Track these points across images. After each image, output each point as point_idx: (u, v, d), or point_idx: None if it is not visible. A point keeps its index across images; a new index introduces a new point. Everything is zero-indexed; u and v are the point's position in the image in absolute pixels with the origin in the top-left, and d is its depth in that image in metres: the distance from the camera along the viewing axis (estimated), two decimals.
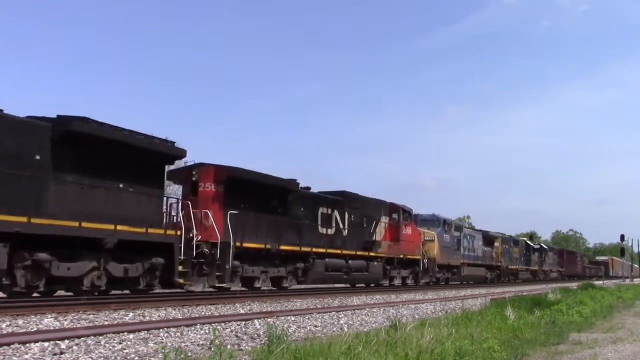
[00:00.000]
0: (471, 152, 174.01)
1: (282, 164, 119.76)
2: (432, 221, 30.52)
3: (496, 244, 40.40)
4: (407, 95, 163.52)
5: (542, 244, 57.33)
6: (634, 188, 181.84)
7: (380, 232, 23.62)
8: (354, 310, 12.60)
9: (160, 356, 5.58)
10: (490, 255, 38.37)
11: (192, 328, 8.27)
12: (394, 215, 24.88)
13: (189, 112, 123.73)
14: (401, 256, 24.60)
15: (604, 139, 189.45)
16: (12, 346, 6.06)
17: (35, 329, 7.86)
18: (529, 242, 51.40)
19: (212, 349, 4.91)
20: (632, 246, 76.36)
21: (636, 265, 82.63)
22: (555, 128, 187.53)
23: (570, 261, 66.33)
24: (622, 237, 62.16)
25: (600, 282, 39.89)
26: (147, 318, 9.79)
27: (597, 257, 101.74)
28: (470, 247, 34.09)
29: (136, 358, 5.96)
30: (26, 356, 5.75)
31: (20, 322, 8.38)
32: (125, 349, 6.34)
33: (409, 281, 25.91)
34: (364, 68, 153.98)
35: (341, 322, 10.32)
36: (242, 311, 11.67)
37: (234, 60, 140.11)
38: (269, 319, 9.38)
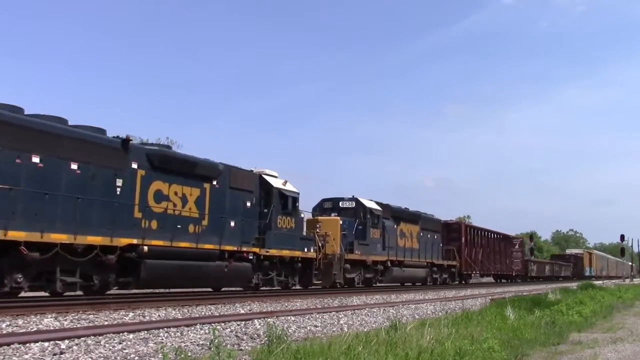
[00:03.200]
0: (471, 152, 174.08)
1: (282, 164, 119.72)
2: None
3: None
4: (406, 95, 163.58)
5: (364, 201, 24.29)
6: (634, 188, 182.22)
7: None
8: (354, 310, 12.61)
9: (160, 356, 5.58)
10: None
11: (192, 328, 8.27)
12: None
13: (189, 112, 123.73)
14: None
15: (603, 139, 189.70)
16: (12, 346, 6.06)
17: (35, 329, 7.86)
18: (272, 180, 18.88)
19: (212, 349, 4.91)
20: (632, 246, 76.29)
21: (631, 264, 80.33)
22: (555, 128, 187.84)
23: (495, 251, 39.86)
24: (622, 237, 62.15)
25: (600, 282, 39.75)
26: (147, 318, 9.80)
27: (567, 250, 77.67)
28: None
29: (136, 358, 5.96)
30: (26, 356, 5.75)
31: (20, 322, 8.39)
32: (125, 349, 6.34)
33: None
34: (363, 68, 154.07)
35: (341, 322, 10.31)
36: (242, 311, 11.68)
37: (234, 60, 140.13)
38: (269, 319, 9.38)
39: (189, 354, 5.41)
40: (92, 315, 9.60)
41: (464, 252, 34.02)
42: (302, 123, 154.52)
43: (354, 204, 23.95)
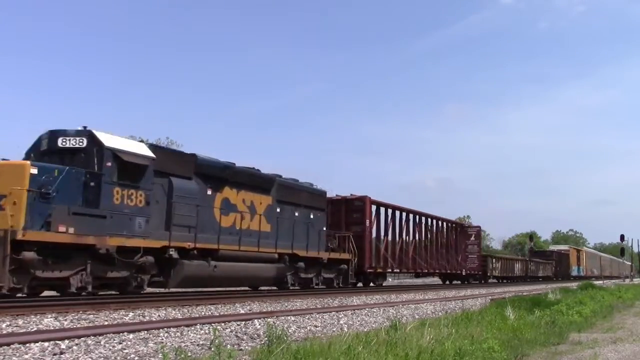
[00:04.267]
0: (471, 152, 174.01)
1: (282, 164, 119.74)
2: None
3: None
4: (407, 95, 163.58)
5: (103, 137, 12.79)
6: (634, 188, 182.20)
7: None
8: (354, 310, 12.60)
9: (160, 356, 5.58)
10: None
11: (192, 328, 8.27)
12: None
13: (190, 112, 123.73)
14: None
15: (603, 139, 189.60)
16: (12, 346, 6.07)
17: (35, 329, 7.86)
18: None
19: (212, 349, 4.91)
20: (632, 246, 76.23)
21: (631, 264, 79.84)
22: (555, 128, 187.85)
23: (441, 243, 30.93)
24: (622, 237, 62.13)
25: (600, 282, 39.72)
26: (147, 318, 9.80)
27: (551, 247, 65.92)
28: None
29: (136, 358, 5.96)
30: (26, 356, 5.75)
31: (20, 322, 8.39)
32: (125, 349, 6.34)
33: None
34: (363, 68, 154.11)
35: (341, 322, 10.31)
36: (242, 311, 11.67)
37: (234, 60, 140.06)
38: (269, 319, 9.37)
39: (189, 354, 5.41)
40: (92, 315, 9.59)
41: (372, 241, 24.10)
42: (302, 123, 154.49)
43: (84, 143, 12.80)
